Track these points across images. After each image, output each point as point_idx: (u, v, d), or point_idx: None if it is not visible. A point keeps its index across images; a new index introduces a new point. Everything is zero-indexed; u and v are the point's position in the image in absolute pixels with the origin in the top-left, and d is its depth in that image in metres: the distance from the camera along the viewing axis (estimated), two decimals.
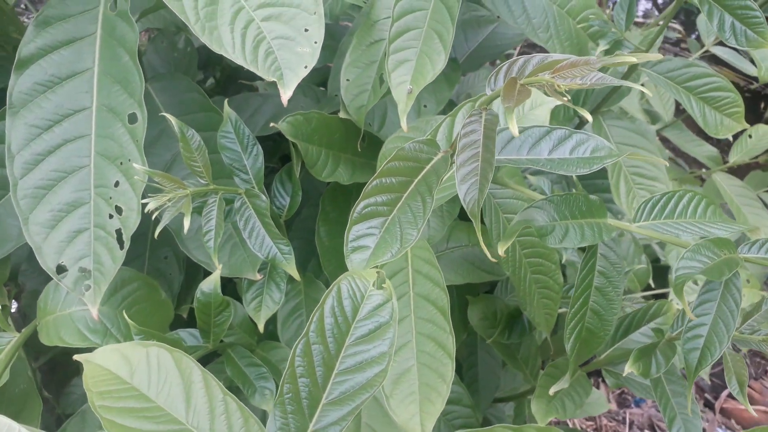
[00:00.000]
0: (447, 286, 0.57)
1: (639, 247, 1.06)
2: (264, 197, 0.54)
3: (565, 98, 0.34)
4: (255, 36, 0.49)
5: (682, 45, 2.51)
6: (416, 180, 0.41)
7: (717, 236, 0.51)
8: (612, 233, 0.53)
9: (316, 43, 0.51)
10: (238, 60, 0.48)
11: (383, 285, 0.38)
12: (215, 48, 0.47)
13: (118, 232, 0.57)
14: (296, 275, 0.56)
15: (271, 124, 0.62)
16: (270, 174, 0.70)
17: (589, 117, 0.34)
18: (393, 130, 0.76)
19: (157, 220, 0.51)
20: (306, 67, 0.50)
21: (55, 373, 0.90)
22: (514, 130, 0.33)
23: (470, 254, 0.75)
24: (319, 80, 0.95)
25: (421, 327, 0.54)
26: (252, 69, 0.48)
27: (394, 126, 0.75)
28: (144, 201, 0.50)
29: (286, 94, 0.49)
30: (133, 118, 0.57)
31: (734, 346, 0.60)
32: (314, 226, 0.77)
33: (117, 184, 0.57)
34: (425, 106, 0.81)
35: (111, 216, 0.57)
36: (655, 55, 0.35)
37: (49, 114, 0.58)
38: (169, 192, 0.49)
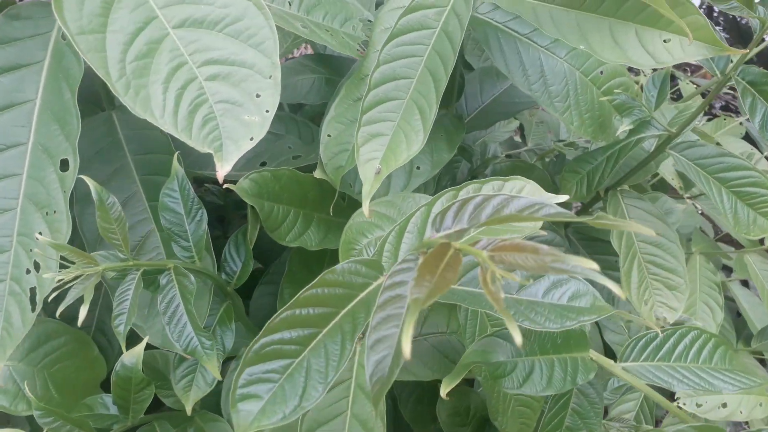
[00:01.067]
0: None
1: None
2: (192, 280, 0.47)
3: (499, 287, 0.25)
4: (194, 98, 0.42)
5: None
6: (341, 313, 0.33)
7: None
8: (591, 374, 0.44)
9: (267, 112, 0.43)
10: (166, 126, 0.41)
11: None
12: (139, 111, 0.40)
13: (32, 290, 0.50)
14: (217, 374, 0.49)
15: (225, 185, 0.55)
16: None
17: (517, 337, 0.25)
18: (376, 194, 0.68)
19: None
20: (252, 138, 0.43)
21: None
22: None
23: (445, 344, 0.67)
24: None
25: None
26: (182, 137, 0.41)
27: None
28: (47, 276, 0.43)
29: (223, 169, 0.42)
30: (65, 165, 0.51)
31: None
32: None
33: (40, 235, 0.51)
34: (418, 168, 0.73)
35: (28, 271, 0.51)
36: (646, 229, 0.26)
37: None
38: (77, 268, 0.43)
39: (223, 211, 0.93)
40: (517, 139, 1.26)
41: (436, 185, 0.90)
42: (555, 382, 0.41)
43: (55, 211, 0.50)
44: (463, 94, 0.84)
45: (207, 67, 0.43)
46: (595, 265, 0.23)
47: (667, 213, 1.00)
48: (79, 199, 0.59)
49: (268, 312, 0.77)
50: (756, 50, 0.64)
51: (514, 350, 0.41)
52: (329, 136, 0.63)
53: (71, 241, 0.53)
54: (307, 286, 0.33)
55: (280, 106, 0.90)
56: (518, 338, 0.23)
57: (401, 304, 0.28)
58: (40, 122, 0.52)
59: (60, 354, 0.59)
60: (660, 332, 0.47)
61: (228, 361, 0.65)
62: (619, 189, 0.85)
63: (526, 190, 0.55)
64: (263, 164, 0.78)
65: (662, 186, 1.11)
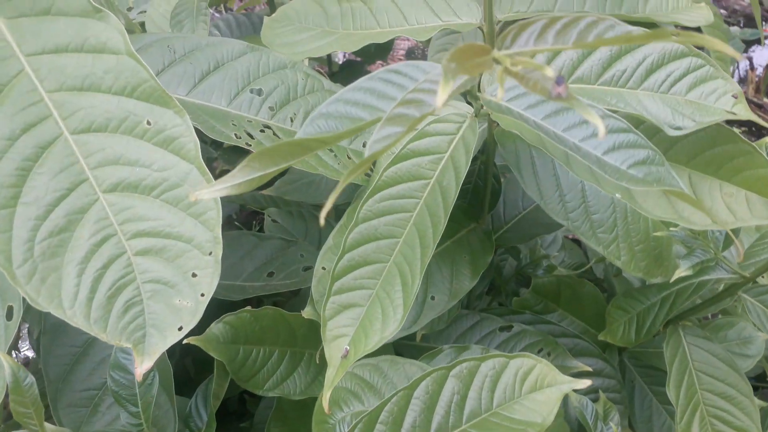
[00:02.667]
0: None
1: None
2: None
3: None
4: (118, 278, 0.36)
5: None
6: None
7: None
8: None
9: (203, 296, 0.37)
10: (75, 318, 0.35)
11: None
12: (42, 302, 0.34)
13: None
14: None
15: (186, 340, 0.49)
16: None
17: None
18: None
19: None
20: (181, 329, 0.37)
21: None
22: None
23: None
24: None
25: None
26: (94, 330, 0.35)
27: None
28: None
29: (143, 366, 0.36)
30: (9, 313, 0.46)
31: None
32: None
33: None
34: (433, 297, 0.64)
35: None
36: None
37: None
38: None
39: None
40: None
41: (468, 296, 0.81)
42: None
43: None
44: (498, 202, 0.74)
45: (138, 239, 0.37)
46: None
47: (745, 342, 0.85)
48: (47, 330, 0.55)
49: None
50: None
51: None
52: (323, 269, 0.55)
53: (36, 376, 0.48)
54: None
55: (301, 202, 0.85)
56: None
57: None
58: None
59: None
60: None
61: None
62: (681, 323, 0.72)
63: (534, 373, 0.45)
64: (271, 274, 0.72)
65: None
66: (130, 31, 0.81)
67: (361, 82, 0.32)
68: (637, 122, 0.40)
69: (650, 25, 0.63)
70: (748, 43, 2.44)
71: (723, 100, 0.41)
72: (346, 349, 0.41)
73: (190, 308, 0.36)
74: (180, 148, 0.37)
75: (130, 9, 0.82)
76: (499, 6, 0.55)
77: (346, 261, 0.42)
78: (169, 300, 0.36)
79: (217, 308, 0.60)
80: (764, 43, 2.39)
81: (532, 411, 0.43)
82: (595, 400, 0.73)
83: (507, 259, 0.96)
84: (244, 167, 0.29)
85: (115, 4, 0.62)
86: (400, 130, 0.25)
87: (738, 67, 2.56)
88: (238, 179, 0.29)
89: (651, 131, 0.41)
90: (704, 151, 0.46)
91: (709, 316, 1.00)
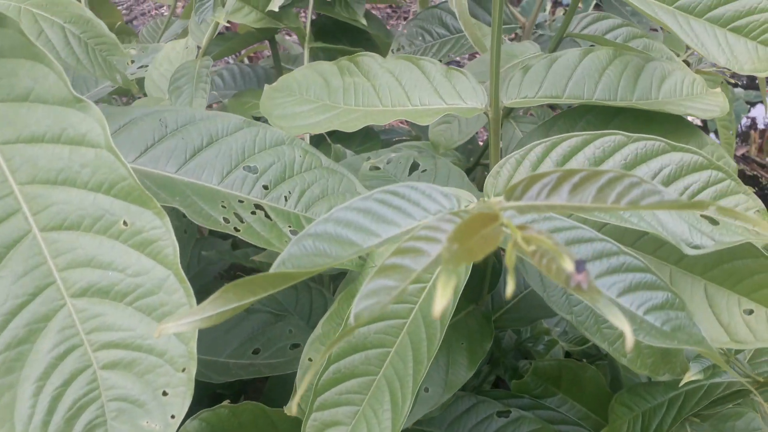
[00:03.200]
0: None
1: None
2: None
3: None
4: (80, 396, 0.33)
5: None
6: None
7: None
8: None
9: (173, 418, 0.33)
10: None
11: None
12: None
13: None
14: None
15: None
16: None
17: None
18: None
19: None
20: None
21: None
22: None
23: None
24: None
25: None
26: None
27: None
28: None
29: None
30: None
31: None
32: None
33: None
34: (426, 390, 0.60)
35: None
36: None
37: None
38: None
39: None
40: None
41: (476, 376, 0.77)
42: None
43: None
44: (499, 282, 0.71)
45: (107, 350, 0.34)
46: None
47: None
48: None
49: None
50: None
51: None
52: (310, 360, 0.52)
53: None
54: None
55: None
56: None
57: None
58: None
59: None
60: None
61: None
62: (689, 420, 0.68)
63: None
64: (256, 351, 0.68)
65: None
66: (126, 91, 0.79)
67: (355, 202, 0.29)
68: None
69: (662, 115, 0.61)
70: (752, 105, 2.45)
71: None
72: None
73: (159, 431, 0.33)
74: (158, 252, 0.34)
75: (131, 62, 0.81)
76: (506, 92, 0.53)
77: (331, 373, 0.39)
78: (136, 421, 0.33)
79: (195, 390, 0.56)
80: None
81: None
82: None
83: (506, 330, 0.92)
84: (217, 299, 0.26)
85: (113, 63, 0.60)
86: (395, 285, 0.22)
87: (741, 126, 2.56)
88: (209, 312, 0.26)
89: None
90: (722, 263, 0.43)
91: None
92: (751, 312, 0.42)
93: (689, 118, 0.65)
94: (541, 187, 0.21)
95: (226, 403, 0.50)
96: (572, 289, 0.17)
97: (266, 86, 0.60)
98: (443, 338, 0.64)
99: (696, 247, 0.37)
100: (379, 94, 0.56)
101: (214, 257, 0.92)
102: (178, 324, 0.25)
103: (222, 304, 0.26)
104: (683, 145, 0.39)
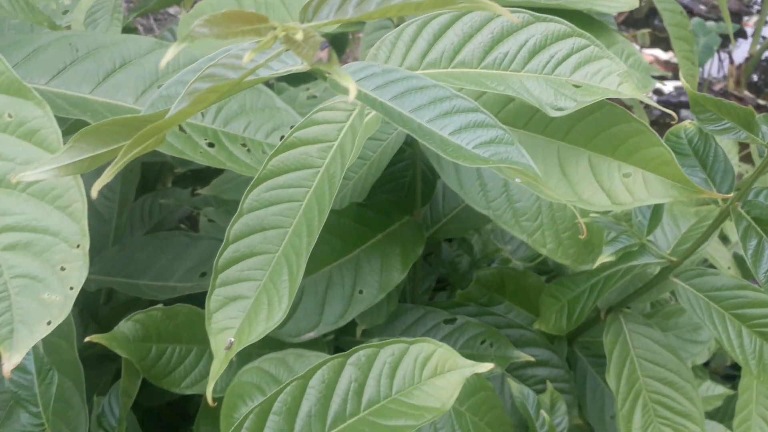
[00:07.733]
0: None
1: None
2: None
3: None
4: None
5: None
6: None
7: None
8: None
9: (72, 289, 0.36)
10: None
11: None
12: None
13: None
14: None
15: (90, 338, 0.48)
16: None
17: None
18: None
19: None
20: (49, 323, 0.36)
21: None
22: None
23: None
24: None
25: None
26: None
27: None
28: None
29: (12, 361, 0.35)
30: None
31: None
32: None
33: None
34: (361, 291, 0.63)
35: None
36: None
37: None
38: None
39: None
40: None
41: (413, 291, 0.80)
42: None
43: None
44: (433, 195, 0.74)
45: (5, 234, 0.36)
46: None
47: (695, 328, 0.84)
48: None
49: None
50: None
51: None
52: None
53: None
54: None
55: None
56: None
57: None
58: None
59: None
60: None
61: None
62: (622, 311, 0.71)
63: (435, 358, 0.45)
64: (203, 275, 0.71)
65: None
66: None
67: (204, 62, 0.31)
68: (507, 100, 0.40)
69: (568, 12, 0.62)
70: (728, 37, 2.44)
71: (608, 80, 0.41)
72: (231, 340, 0.40)
73: (59, 302, 0.36)
74: (42, 139, 0.36)
75: (65, 12, 0.82)
76: None
77: (231, 252, 0.41)
78: (38, 295, 0.36)
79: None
80: (733, 41, 2.39)
81: (431, 396, 0.42)
82: (542, 391, 0.72)
83: (463, 255, 0.95)
84: (70, 148, 0.28)
85: (37, 8, 0.62)
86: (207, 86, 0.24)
87: (721, 60, 2.56)
88: (65, 160, 0.28)
89: (530, 111, 0.40)
90: (601, 131, 0.46)
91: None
92: (629, 175, 0.45)
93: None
94: (330, 7, 0.24)
95: (159, 305, 0.53)
96: (314, 66, 0.19)
97: (182, 14, 0.62)
98: (377, 246, 0.67)
99: (560, 108, 0.40)
100: (288, 11, 0.58)
101: (173, 205, 0.94)
102: (36, 172, 0.28)
103: (77, 153, 0.28)
104: (546, 15, 0.41)
